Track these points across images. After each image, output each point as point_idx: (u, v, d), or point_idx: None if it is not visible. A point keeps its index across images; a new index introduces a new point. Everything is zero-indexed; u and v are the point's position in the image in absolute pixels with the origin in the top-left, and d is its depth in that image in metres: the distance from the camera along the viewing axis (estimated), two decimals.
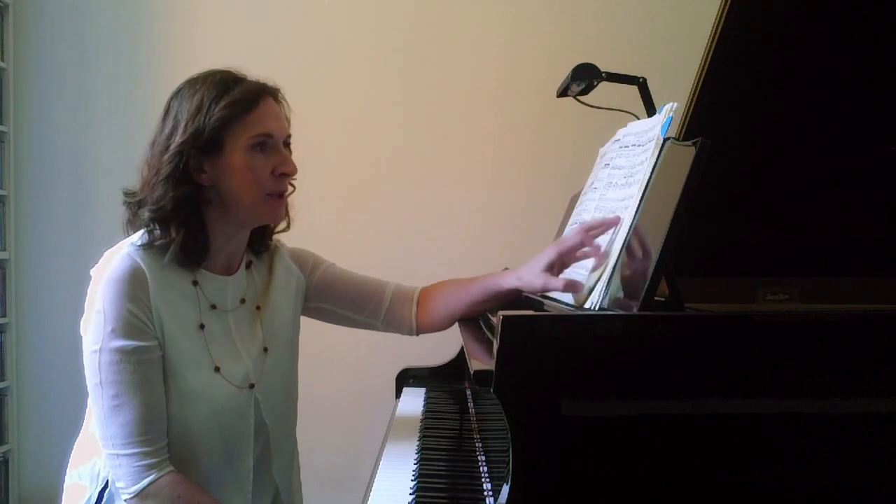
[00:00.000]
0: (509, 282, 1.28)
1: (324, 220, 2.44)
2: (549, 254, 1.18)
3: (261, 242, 1.35)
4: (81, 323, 1.17)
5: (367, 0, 2.49)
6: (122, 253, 1.16)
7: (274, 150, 1.21)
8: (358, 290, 1.44)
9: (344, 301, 1.43)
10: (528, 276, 1.21)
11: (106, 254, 1.19)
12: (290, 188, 1.25)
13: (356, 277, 1.46)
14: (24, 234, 2.54)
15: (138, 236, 1.20)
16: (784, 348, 0.85)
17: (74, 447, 1.27)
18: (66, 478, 1.26)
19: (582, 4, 2.44)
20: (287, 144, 1.25)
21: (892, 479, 0.85)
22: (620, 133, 1.19)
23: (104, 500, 1.19)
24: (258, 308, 1.32)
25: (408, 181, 2.48)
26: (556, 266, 1.18)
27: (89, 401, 1.22)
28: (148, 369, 1.14)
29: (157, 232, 1.18)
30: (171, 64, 2.47)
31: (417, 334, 1.45)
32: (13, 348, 2.53)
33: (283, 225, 1.34)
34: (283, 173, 1.21)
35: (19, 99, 2.51)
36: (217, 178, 1.19)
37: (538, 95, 2.24)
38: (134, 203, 1.22)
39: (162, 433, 1.15)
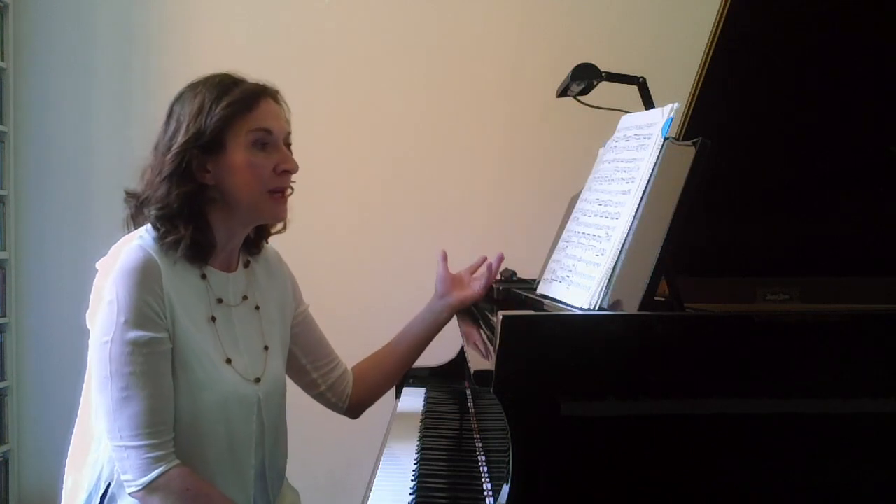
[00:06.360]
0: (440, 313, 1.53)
1: (325, 220, 2.44)
2: (439, 279, 1.54)
3: (256, 244, 1.37)
4: (87, 315, 1.17)
5: (367, 1, 2.49)
6: (133, 245, 1.17)
7: (274, 148, 1.23)
8: (323, 347, 1.50)
9: (309, 350, 1.48)
10: (452, 298, 1.53)
11: (114, 247, 1.19)
12: (290, 187, 1.27)
13: (322, 334, 1.51)
14: (24, 234, 2.54)
15: (146, 230, 1.21)
16: (784, 348, 0.85)
17: (71, 448, 1.26)
18: (65, 479, 1.26)
19: (582, 5, 2.44)
20: (287, 144, 1.27)
21: (892, 479, 0.85)
22: (619, 127, 1.20)
23: (107, 498, 1.19)
24: (257, 308, 1.33)
25: (408, 181, 2.48)
26: (457, 280, 1.55)
27: (85, 398, 1.22)
28: (158, 361, 1.14)
29: (164, 230, 1.19)
30: (170, 63, 2.48)
31: (347, 412, 1.53)
32: (13, 348, 2.53)
33: (279, 226, 1.35)
34: (285, 170, 1.24)
35: (19, 99, 2.51)
36: (220, 176, 1.21)
37: (538, 95, 2.24)
38: (136, 202, 1.24)
39: (169, 426, 1.15)
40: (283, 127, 1.25)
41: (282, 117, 1.26)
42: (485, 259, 1.59)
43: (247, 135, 1.20)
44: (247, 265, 1.35)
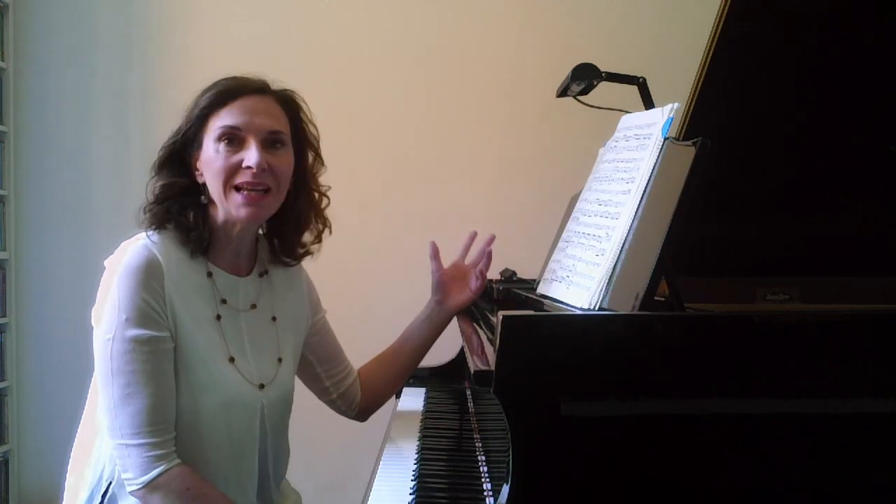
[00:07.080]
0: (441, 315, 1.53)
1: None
2: (435, 282, 1.53)
3: (288, 254, 1.36)
4: (92, 312, 1.18)
5: (367, 1, 2.49)
6: (138, 244, 1.18)
7: (244, 144, 1.19)
8: (337, 355, 1.50)
9: (324, 358, 1.47)
10: (449, 303, 1.53)
11: (122, 244, 1.20)
12: (266, 185, 1.20)
13: (337, 342, 1.51)
14: (24, 234, 2.55)
15: (153, 230, 1.23)
16: (784, 348, 0.85)
17: (75, 445, 1.26)
18: (68, 477, 1.26)
19: (582, 5, 2.44)
20: (274, 143, 1.22)
21: (892, 479, 0.85)
22: (619, 127, 1.20)
23: (107, 497, 1.19)
24: (274, 319, 1.33)
25: (408, 181, 2.48)
26: (453, 282, 1.54)
27: (90, 397, 1.22)
28: (160, 359, 1.14)
29: (160, 219, 1.22)
30: (170, 63, 2.47)
31: (356, 418, 1.53)
32: (13, 348, 2.53)
33: (313, 247, 1.38)
34: (247, 167, 1.18)
35: (19, 99, 2.51)
36: (203, 173, 1.23)
37: (538, 95, 2.24)
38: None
39: (171, 425, 1.15)
40: (259, 124, 1.20)
41: (262, 113, 1.21)
42: (474, 234, 1.58)
43: (215, 130, 1.20)
44: (263, 274, 1.35)
